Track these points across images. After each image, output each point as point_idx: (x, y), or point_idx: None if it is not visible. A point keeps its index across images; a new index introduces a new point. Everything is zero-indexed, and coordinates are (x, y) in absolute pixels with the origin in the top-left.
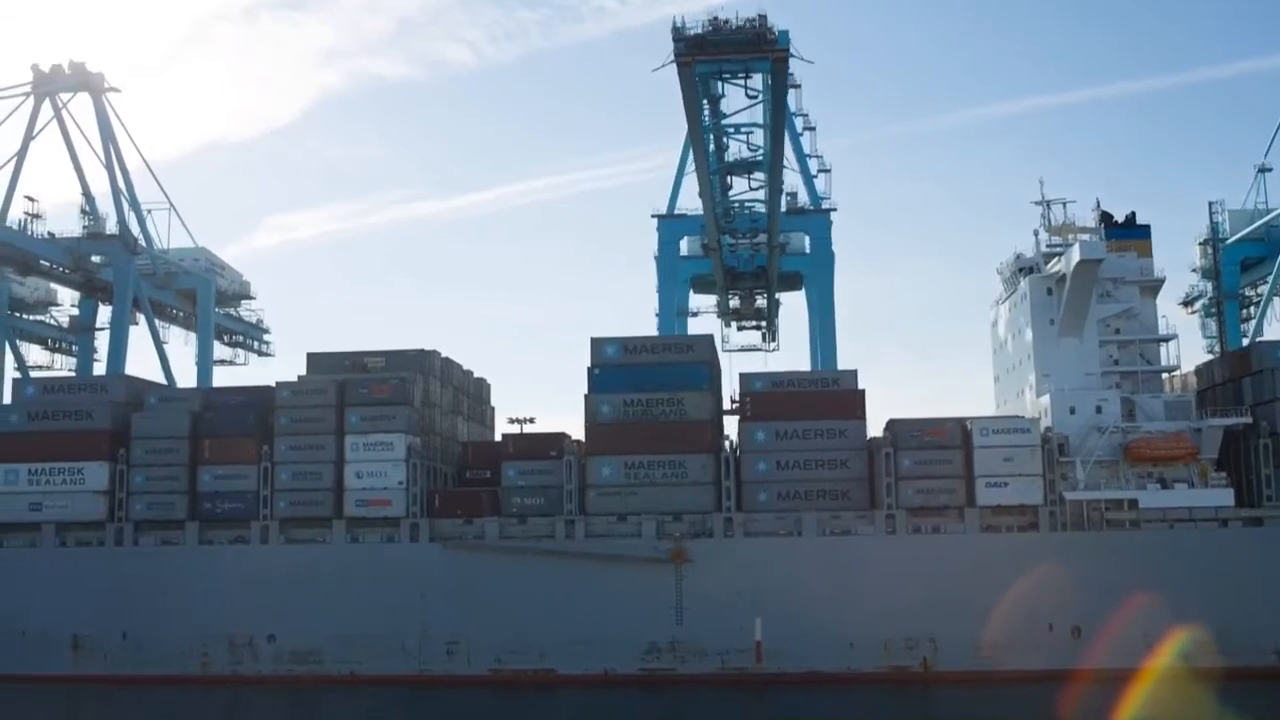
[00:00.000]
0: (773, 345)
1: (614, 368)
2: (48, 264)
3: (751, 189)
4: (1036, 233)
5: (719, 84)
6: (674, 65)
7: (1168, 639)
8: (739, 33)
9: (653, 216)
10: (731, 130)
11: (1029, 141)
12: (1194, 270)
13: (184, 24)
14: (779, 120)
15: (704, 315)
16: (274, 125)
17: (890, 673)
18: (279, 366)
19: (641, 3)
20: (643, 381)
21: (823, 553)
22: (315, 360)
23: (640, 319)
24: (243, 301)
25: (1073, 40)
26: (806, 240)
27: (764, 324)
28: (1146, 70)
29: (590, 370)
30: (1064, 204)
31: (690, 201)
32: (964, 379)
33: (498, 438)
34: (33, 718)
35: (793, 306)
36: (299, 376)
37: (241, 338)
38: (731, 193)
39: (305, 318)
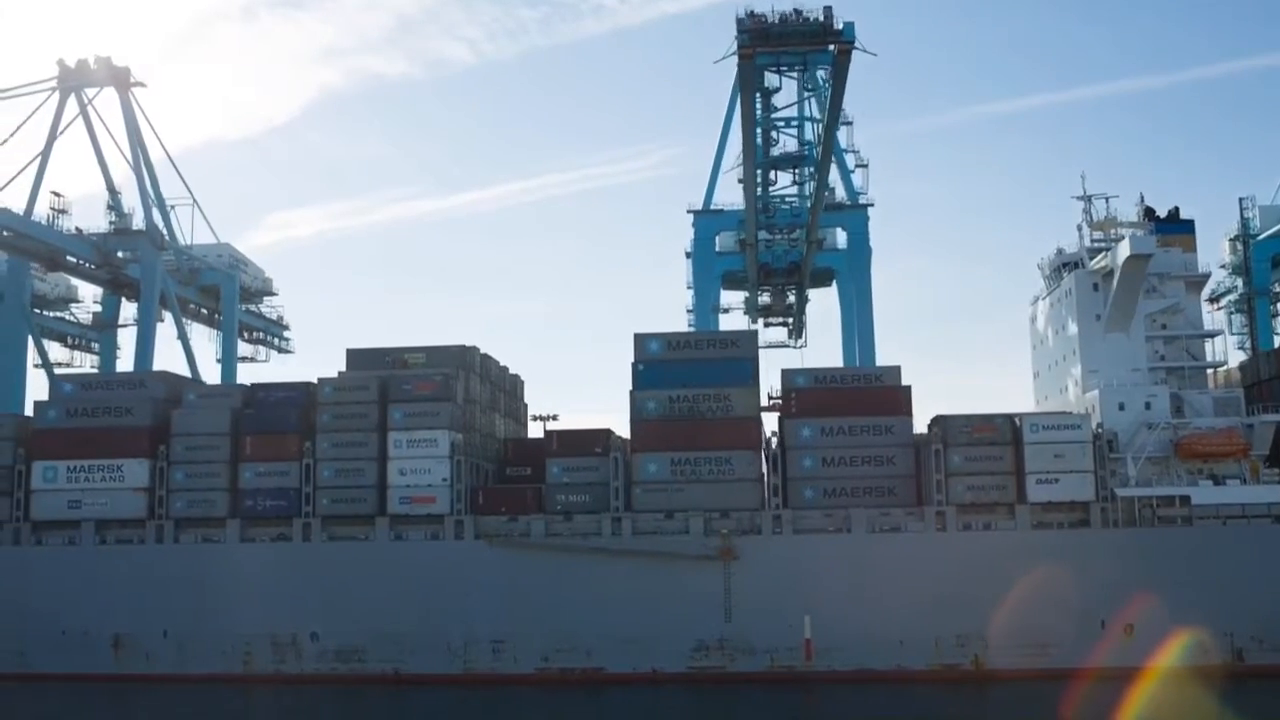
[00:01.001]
0: (800, 342)
1: (658, 363)
2: (75, 259)
3: (796, 183)
4: (1080, 228)
5: (779, 77)
6: (729, 56)
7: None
8: (806, 24)
9: (688, 212)
10: (781, 124)
11: (1035, 140)
12: (1222, 266)
13: (183, 21)
14: (834, 114)
15: (732, 312)
16: (273, 123)
17: (941, 671)
18: (297, 363)
19: (640, 1)
20: (688, 377)
21: (873, 550)
22: (355, 356)
23: (649, 315)
24: (264, 298)
25: (1082, 37)
26: (840, 236)
27: (790, 320)
28: (1168, 65)
29: (634, 366)
30: (1106, 199)
31: (725, 196)
32: (980, 376)
33: (530, 434)
34: (74, 718)
35: (818, 303)
36: (339, 372)
37: (262, 334)
38: (772, 188)
39: (306, 315)
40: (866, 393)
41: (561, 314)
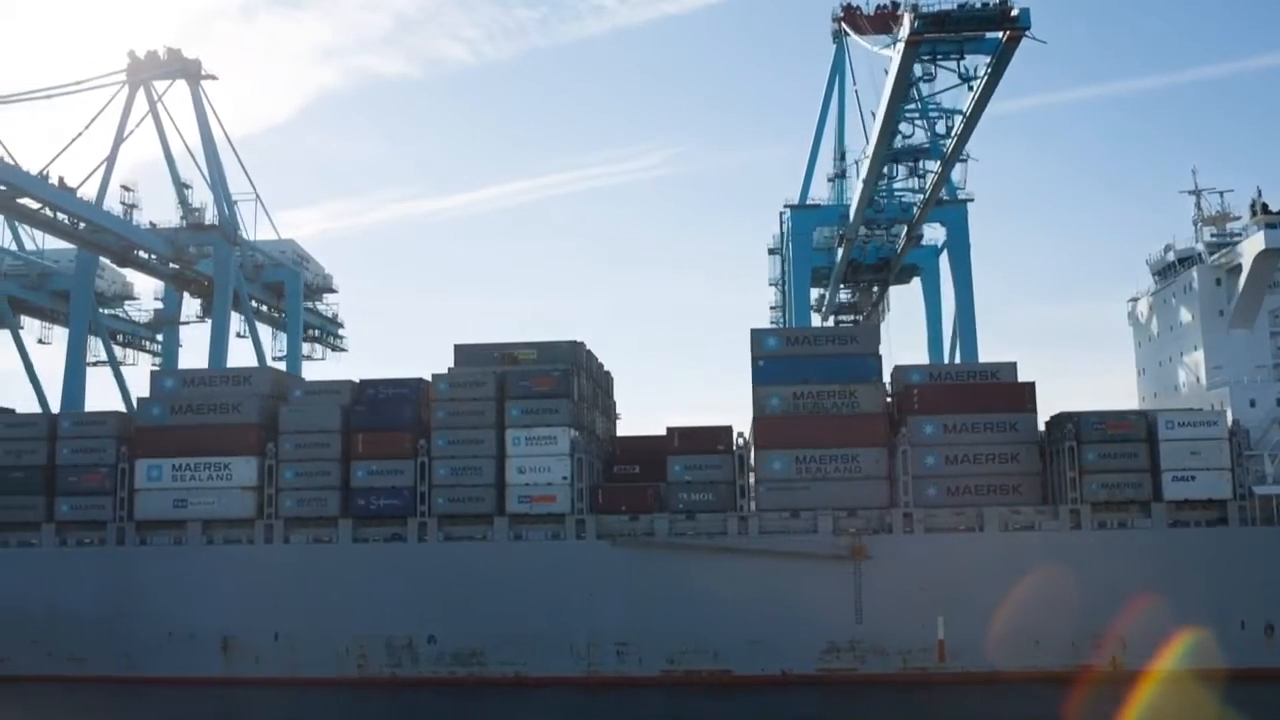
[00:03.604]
0: None
1: (778, 359)
2: (146, 255)
3: (917, 175)
4: (1196, 223)
5: (933, 67)
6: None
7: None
8: (983, 10)
9: (785, 206)
10: (916, 116)
11: (1031, 140)
12: None
13: (180, 20)
14: (982, 105)
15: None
16: (271, 122)
17: (1078, 671)
18: (352, 361)
19: (640, 1)
20: (808, 373)
21: (1006, 549)
22: (463, 352)
23: (655, 315)
24: (322, 295)
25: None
26: (929, 231)
27: (862, 318)
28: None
29: (755, 362)
30: (1221, 194)
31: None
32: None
33: (618, 433)
34: None
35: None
36: (449, 369)
37: (318, 332)
38: (881, 182)
39: None
40: (990, 388)
41: (560, 314)
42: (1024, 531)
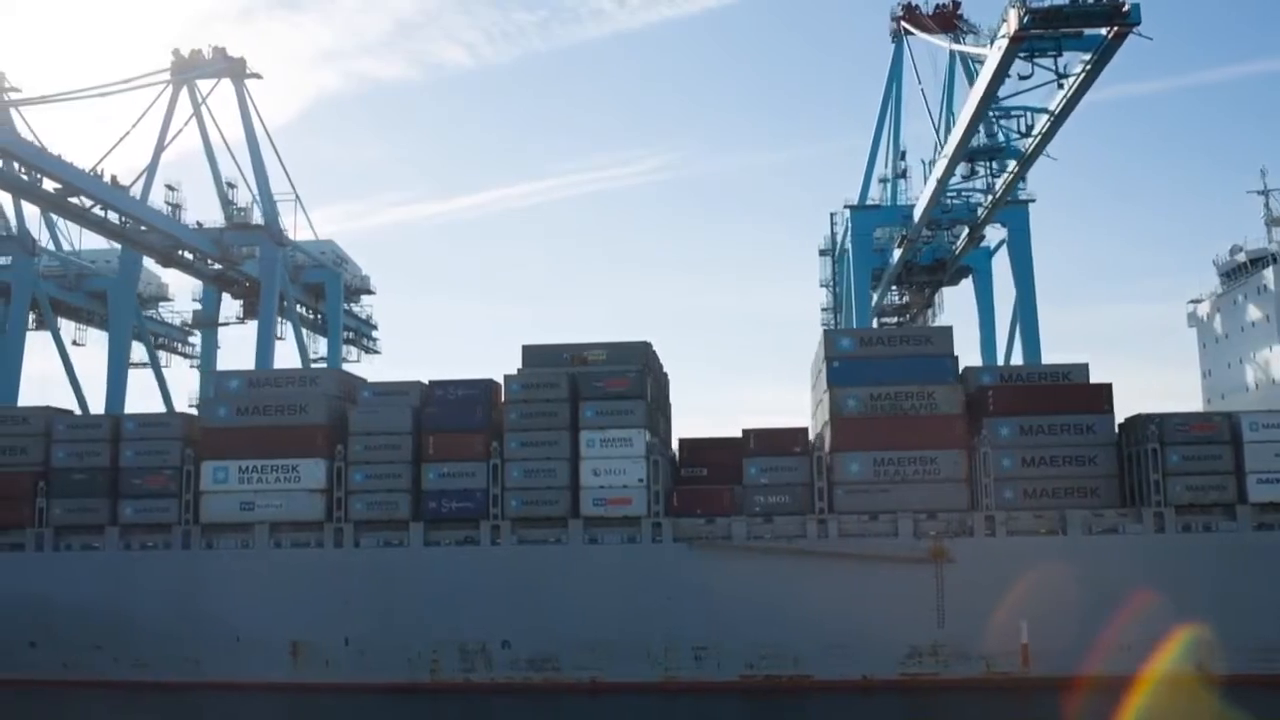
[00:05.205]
0: None
1: (852, 360)
2: (190, 255)
3: (990, 175)
4: (1267, 224)
5: (1030, 65)
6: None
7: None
8: (1095, 5)
9: (845, 207)
10: (1000, 115)
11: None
12: None
13: (179, 23)
14: (1073, 104)
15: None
16: (271, 126)
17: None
18: (382, 364)
19: (639, 5)
20: (883, 374)
21: (1091, 552)
22: (531, 353)
23: (656, 318)
24: (360, 297)
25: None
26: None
27: (906, 319)
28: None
29: (830, 362)
30: None
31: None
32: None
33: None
34: None
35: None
36: (518, 369)
37: (352, 334)
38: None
39: None
40: (1066, 390)
41: (553, 318)
42: (1108, 535)
